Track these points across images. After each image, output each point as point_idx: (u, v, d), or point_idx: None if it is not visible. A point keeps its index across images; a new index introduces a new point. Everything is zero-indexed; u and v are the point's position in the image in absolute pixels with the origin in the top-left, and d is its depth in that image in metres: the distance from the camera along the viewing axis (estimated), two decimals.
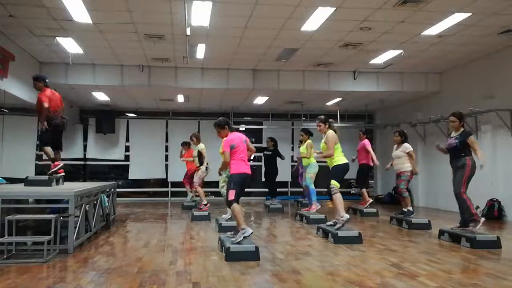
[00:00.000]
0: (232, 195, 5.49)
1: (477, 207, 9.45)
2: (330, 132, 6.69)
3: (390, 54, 9.49)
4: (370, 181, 15.31)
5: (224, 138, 6.01)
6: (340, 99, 12.65)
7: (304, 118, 14.02)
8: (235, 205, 5.48)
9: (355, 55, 9.60)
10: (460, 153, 6.29)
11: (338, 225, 6.51)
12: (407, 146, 8.13)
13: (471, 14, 7.11)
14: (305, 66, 10.67)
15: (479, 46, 8.96)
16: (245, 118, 15.28)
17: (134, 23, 7.61)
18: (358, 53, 9.41)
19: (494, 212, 9.05)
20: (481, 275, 4.54)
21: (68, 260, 5.20)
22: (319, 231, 7.02)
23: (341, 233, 6.30)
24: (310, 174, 9.00)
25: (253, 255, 5.16)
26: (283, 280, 4.35)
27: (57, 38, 8.29)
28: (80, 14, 7.04)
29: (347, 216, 6.51)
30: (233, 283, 4.22)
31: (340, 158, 6.65)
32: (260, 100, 12.77)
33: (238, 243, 5.31)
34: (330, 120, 6.86)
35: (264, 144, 14.81)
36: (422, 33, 8.07)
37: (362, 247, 5.99)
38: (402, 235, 7.13)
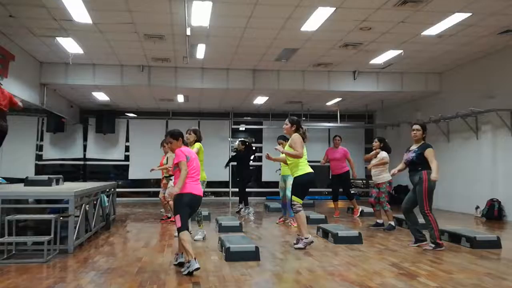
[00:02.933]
0: (178, 221, 4.60)
1: (477, 207, 9.54)
2: (296, 135, 5.97)
3: (390, 54, 9.49)
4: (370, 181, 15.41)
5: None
6: (340, 99, 12.66)
7: (304, 118, 14.03)
8: (184, 233, 4.56)
9: (355, 55, 9.60)
10: (417, 167, 5.89)
11: (298, 245, 5.88)
12: (381, 156, 7.77)
13: (471, 14, 7.11)
14: (305, 66, 10.67)
15: (479, 46, 8.96)
16: (245, 118, 15.30)
17: (134, 23, 7.62)
18: (358, 53, 9.41)
19: (494, 212, 9.06)
20: (481, 275, 4.53)
21: (68, 260, 5.20)
22: (319, 231, 7.03)
23: (341, 233, 6.30)
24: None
25: (253, 255, 5.15)
26: (283, 280, 4.35)
27: (57, 38, 8.29)
28: (80, 14, 7.04)
29: (311, 238, 5.93)
30: (233, 283, 4.22)
31: (304, 168, 5.93)
32: (260, 100, 12.77)
33: (188, 273, 4.42)
34: (301, 123, 6.16)
35: (263, 145, 14.89)
36: (422, 33, 8.07)
37: (362, 247, 5.99)
38: (402, 235, 7.12)
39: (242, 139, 11.39)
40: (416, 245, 6.06)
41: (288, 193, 7.67)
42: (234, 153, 10.94)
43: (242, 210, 10.23)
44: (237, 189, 11.43)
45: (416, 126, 6.08)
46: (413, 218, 6.13)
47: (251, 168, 10.64)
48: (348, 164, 9.60)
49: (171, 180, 8.25)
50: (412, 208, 6.07)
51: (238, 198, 10.74)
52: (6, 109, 6.59)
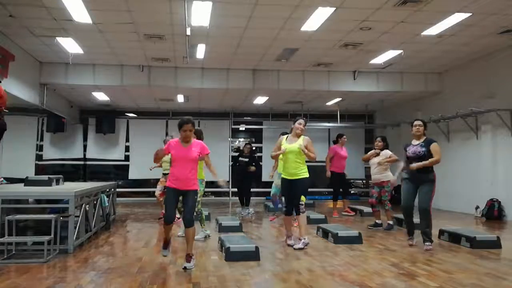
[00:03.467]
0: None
1: (477, 207, 9.54)
2: (307, 137, 6.13)
3: (390, 54, 9.49)
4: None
5: (197, 141, 5.14)
6: (340, 99, 12.66)
7: (304, 118, 14.00)
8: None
9: (355, 55, 9.60)
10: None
11: (298, 245, 5.86)
12: (387, 153, 7.80)
13: (471, 14, 7.11)
14: (305, 66, 10.67)
15: (479, 46, 8.96)
16: (245, 118, 15.29)
17: (134, 23, 7.61)
18: (358, 53, 9.41)
19: (494, 212, 9.07)
20: (481, 275, 4.53)
21: (68, 260, 5.20)
22: (319, 231, 7.03)
23: (341, 233, 6.30)
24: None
25: (253, 255, 5.16)
26: (283, 280, 4.35)
27: (57, 38, 8.30)
28: (80, 14, 7.05)
29: (308, 240, 5.99)
30: (233, 283, 4.22)
31: (307, 170, 6.06)
32: (260, 100, 12.77)
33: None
34: None
35: (263, 145, 14.87)
36: (422, 33, 8.07)
37: (362, 247, 5.99)
38: (402, 235, 7.11)
39: (247, 141, 11.35)
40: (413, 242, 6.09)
41: (276, 190, 8.14)
42: (238, 155, 10.76)
43: (243, 210, 10.17)
44: (236, 189, 11.28)
45: (418, 122, 6.16)
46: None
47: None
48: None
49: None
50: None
51: (240, 198, 10.56)
52: (4, 107, 6.59)
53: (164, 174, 8.64)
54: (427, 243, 5.87)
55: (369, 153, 8.14)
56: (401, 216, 8.09)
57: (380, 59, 9.87)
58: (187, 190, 4.76)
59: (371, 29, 7.88)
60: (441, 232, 6.69)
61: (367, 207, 9.86)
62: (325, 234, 6.68)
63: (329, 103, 13.32)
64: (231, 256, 5.12)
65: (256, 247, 5.25)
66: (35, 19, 7.43)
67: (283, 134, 7.75)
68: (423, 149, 5.93)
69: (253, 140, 15.39)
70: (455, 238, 6.31)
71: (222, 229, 7.21)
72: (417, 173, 5.89)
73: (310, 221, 8.20)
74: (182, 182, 4.76)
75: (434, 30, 7.85)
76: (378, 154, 7.91)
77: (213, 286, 4.11)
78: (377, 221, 7.95)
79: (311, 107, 14.06)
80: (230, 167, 14.27)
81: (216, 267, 4.84)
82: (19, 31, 7.97)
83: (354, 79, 11.20)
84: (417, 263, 5.05)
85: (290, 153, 5.99)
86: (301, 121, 6.21)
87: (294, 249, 5.85)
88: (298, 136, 6.12)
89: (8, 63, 8.18)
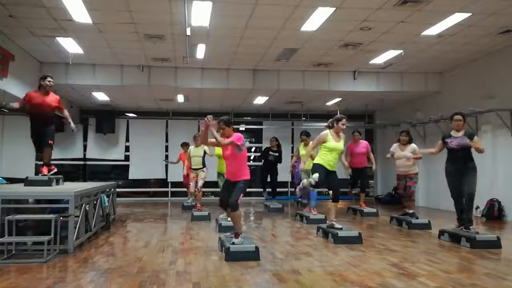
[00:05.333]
0: (240, 199, 5.55)
1: (477, 207, 9.53)
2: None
3: (390, 54, 9.49)
4: (370, 181, 15.43)
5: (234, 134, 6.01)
6: (340, 99, 12.66)
7: (304, 118, 14.04)
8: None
9: (355, 55, 9.60)
10: (471, 154, 6.31)
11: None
12: (415, 147, 8.03)
13: (471, 14, 7.11)
14: (305, 66, 10.66)
15: (479, 46, 8.96)
16: (245, 118, 15.29)
17: (134, 23, 7.62)
18: (358, 53, 9.41)
19: (494, 212, 9.06)
20: (481, 275, 4.53)
21: (68, 260, 5.20)
22: (319, 231, 7.03)
23: (341, 233, 6.30)
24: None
25: (253, 255, 5.16)
26: (283, 280, 4.35)
27: (57, 38, 8.29)
28: (80, 14, 7.05)
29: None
30: (233, 283, 4.22)
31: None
32: (260, 100, 12.77)
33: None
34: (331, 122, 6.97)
35: (262, 145, 14.86)
36: (422, 33, 8.07)
37: (362, 247, 6.00)
38: (402, 235, 7.13)
39: (274, 137, 11.53)
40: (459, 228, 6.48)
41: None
42: (266, 150, 11.48)
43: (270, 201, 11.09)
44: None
45: (459, 117, 6.49)
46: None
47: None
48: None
49: (203, 171, 9.27)
50: None
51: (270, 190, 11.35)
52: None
53: (194, 169, 9.40)
54: (473, 227, 6.31)
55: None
56: (399, 216, 8.13)
57: (380, 59, 9.87)
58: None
59: (371, 29, 7.88)
60: (441, 232, 6.70)
61: (368, 207, 9.87)
62: (325, 234, 6.68)
63: (329, 103, 13.32)
64: (231, 256, 5.12)
65: (256, 247, 5.25)
66: (35, 19, 7.42)
67: (305, 134, 9.21)
68: (467, 141, 6.24)
69: (253, 140, 15.38)
70: (455, 238, 6.32)
71: (222, 229, 7.22)
72: (463, 164, 6.29)
73: (310, 221, 8.24)
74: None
75: (434, 30, 7.85)
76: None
77: (213, 286, 4.12)
78: (409, 211, 8.07)
79: (311, 107, 14.06)
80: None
81: (216, 267, 4.84)
82: (19, 31, 7.96)
83: (354, 79, 11.20)
84: (417, 263, 5.05)
85: (337, 150, 6.70)
86: (345, 120, 6.85)
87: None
88: (338, 134, 6.81)
89: (8, 63, 8.18)
